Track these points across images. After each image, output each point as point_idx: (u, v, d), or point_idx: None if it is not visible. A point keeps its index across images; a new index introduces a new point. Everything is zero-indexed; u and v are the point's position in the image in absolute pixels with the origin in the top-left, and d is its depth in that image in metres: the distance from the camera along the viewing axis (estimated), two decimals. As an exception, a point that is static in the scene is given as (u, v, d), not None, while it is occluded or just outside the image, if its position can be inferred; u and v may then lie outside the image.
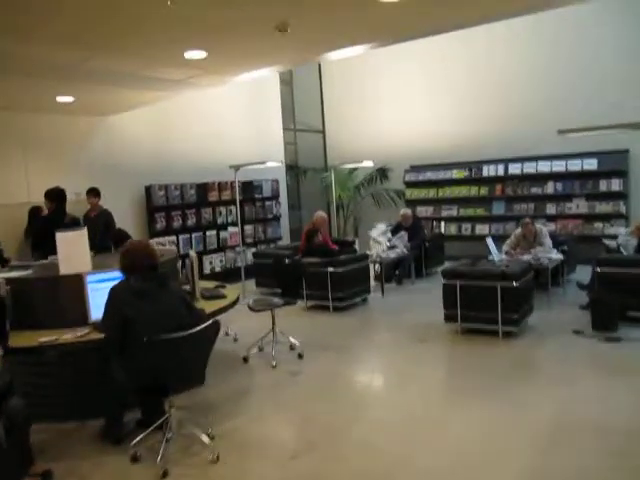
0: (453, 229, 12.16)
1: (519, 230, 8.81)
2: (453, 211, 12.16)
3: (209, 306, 5.23)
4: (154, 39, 5.41)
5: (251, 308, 6.24)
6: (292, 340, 6.51)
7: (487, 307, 6.45)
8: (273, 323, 6.41)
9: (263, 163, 8.87)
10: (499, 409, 4.71)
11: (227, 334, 7.18)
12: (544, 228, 8.78)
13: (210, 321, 3.97)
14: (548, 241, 8.57)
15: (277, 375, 5.82)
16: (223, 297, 5.62)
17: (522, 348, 6.22)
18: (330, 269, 8.12)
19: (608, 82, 10.63)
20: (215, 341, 4.12)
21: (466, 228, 12.01)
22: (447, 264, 10.43)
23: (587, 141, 10.66)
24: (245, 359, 6.27)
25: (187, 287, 5.56)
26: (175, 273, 5.67)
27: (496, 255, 8.22)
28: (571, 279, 9.09)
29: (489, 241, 8.25)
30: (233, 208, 11.31)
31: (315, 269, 8.26)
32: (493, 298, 6.37)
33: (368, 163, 11.13)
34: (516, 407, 4.73)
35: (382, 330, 7.48)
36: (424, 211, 12.48)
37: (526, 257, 8.22)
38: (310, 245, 8.57)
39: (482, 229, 11.76)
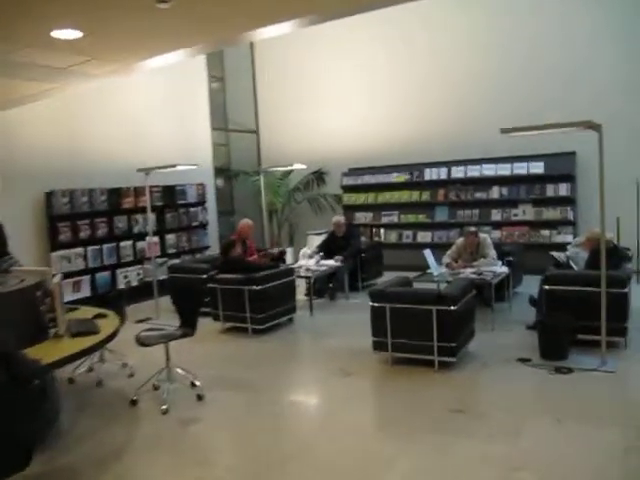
0: (393, 237, 11.26)
1: (461, 240, 7.95)
2: (393, 217, 11.26)
3: (73, 346, 4.14)
4: (10, 12, 4.28)
5: (140, 342, 5.14)
6: (192, 377, 5.42)
7: (421, 334, 5.51)
8: (167, 359, 5.31)
9: (174, 166, 7.74)
10: (428, 469, 3.75)
11: (124, 366, 6.09)
12: (488, 238, 7.93)
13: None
14: (492, 252, 7.72)
15: (165, 424, 4.74)
16: (95, 333, 4.50)
17: (460, 384, 5.31)
18: (248, 287, 7.07)
19: (556, 81, 9.91)
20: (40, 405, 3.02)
21: (407, 236, 11.12)
22: (386, 276, 9.56)
23: (533, 144, 9.90)
24: (133, 402, 5.16)
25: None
26: (33, 303, 4.48)
27: (435, 268, 7.33)
28: (518, 292, 8.28)
29: (427, 253, 7.36)
30: (152, 215, 10.16)
31: (232, 286, 7.20)
32: (428, 324, 5.43)
33: (300, 166, 10.15)
34: (449, 468, 3.77)
35: (303, 359, 6.49)
36: (363, 217, 11.55)
37: (468, 271, 7.35)
38: (227, 259, 7.49)
39: (424, 237, 10.90)
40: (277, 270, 7.49)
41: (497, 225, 10.32)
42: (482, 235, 7.96)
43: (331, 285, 8.92)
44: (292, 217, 12.57)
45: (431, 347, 5.48)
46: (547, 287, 6.06)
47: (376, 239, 11.26)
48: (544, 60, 10.03)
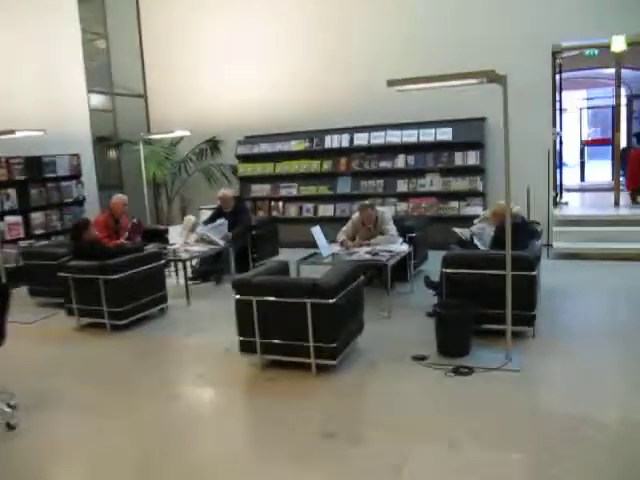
0: (293, 211, 10.19)
1: (357, 215, 6.96)
2: (293, 189, 10.18)
3: None
4: None
5: None
6: (7, 397, 4.21)
7: (295, 333, 4.49)
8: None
9: (12, 132, 6.32)
10: None
11: None
12: (387, 212, 7.00)
13: None
14: (391, 228, 6.79)
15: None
16: None
17: (341, 393, 4.34)
18: (104, 276, 5.85)
19: (464, 44, 9.02)
20: None
21: (308, 209, 10.09)
22: (283, 253, 8.52)
23: (442, 109, 9.07)
24: None
25: None
26: None
27: (325, 249, 6.34)
28: (423, 271, 7.41)
29: (315, 231, 6.35)
30: (12, 191, 8.68)
31: (85, 276, 5.97)
32: (302, 321, 4.41)
33: (182, 133, 8.91)
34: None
35: (162, 363, 5.34)
36: (260, 190, 10.41)
37: (363, 250, 6.39)
38: (78, 243, 6.20)
39: (326, 210, 9.90)
40: (140, 255, 6.28)
41: (404, 197, 9.43)
42: (380, 209, 7.03)
43: (217, 267, 7.80)
44: (184, 191, 11.27)
45: (307, 348, 4.47)
46: (446, 270, 5.15)
47: (274, 213, 10.17)
48: (446, 21, 9.13)
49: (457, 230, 6.03)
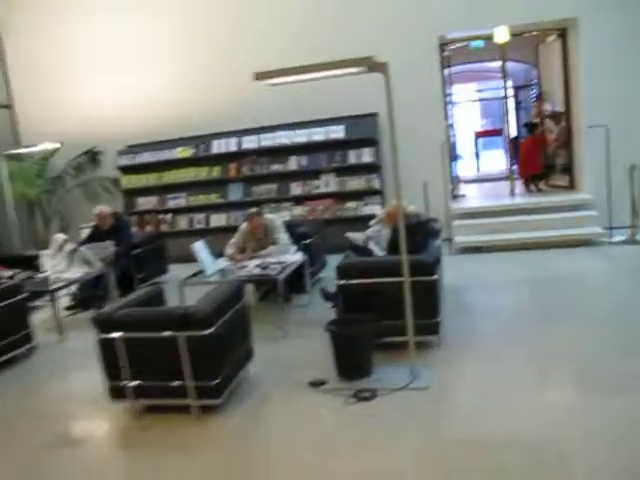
0: (184, 223, 9.42)
1: (245, 225, 6.35)
2: (181, 200, 9.41)
3: None
4: None
5: None
6: None
7: (170, 371, 3.81)
8: None
9: None
10: None
11: None
12: (277, 219, 6.43)
13: None
14: (283, 236, 6.24)
15: None
16: None
17: (223, 440, 3.71)
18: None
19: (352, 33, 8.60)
20: None
21: (199, 220, 9.34)
22: (174, 270, 7.78)
23: (332, 106, 8.61)
24: None
25: None
26: None
27: (210, 266, 5.69)
28: (323, 278, 6.92)
29: (197, 248, 5.68)
30: None
31: None
32: (176, 357, 3.74)
33: (50, 145, 7.95)
34: None
35: (17, 424, 4.47)
36: (146, 203, 9.56)
37: (253, 264, 5.79)
38: None
39: (218, 220, 9.20)
40: (-9, 289, 5.38)
41: (299, 200, 8.90)
42: (269, 216, 6.46)
43: (98, 293, 6.95)
44: (63, 209, 10.22)
45: (185, 388, 3.81)
46: (340, 282, 4.63)
47: (163, 227, 9.37)
48: (329, 16, 8.70)
49: (350, 235, 5.53)
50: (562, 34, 8.97)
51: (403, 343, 4.29)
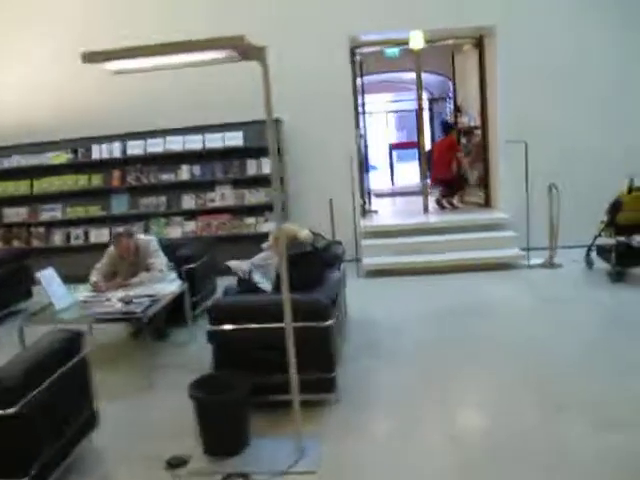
0: (59, 238, 8.14)
1: (112, 247, 5.27)
2: (57, 212, 8.13)
3: None
4: None
5: None
6: None
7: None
8: None
9: None
10: None
11: None
12: (153, 241, 5.38)
13: None
14: (158, 261, 5.23)
15: None
16: None
17: None
18: None
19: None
20: None
21: (77, 235, 8.10)
22: (38, 297, 6.52)
23: (230, 111, 7.64)
24: None
25: None
26: None
27: (61, 299, 4.58)
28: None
29: (45, 276, 4.56)
30: None
31: None
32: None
33: None
34: None
35: None
36: (14, 214, 8.21)
37: (117, 297, 4.72)
38: None
39: (100, 235, 7.98)
40: None
41: (191, 214, 7.85)
42: (142, 237, 5.43)
43: None
44: None
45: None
46: (213, 328, 3.66)
47: (35, 243, 8.06)
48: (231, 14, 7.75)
49: (232, 264, 4.56)
50: (479, 43, 8.41)
51: (291, 403, 3.37)
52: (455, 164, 9.26)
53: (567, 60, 7.57)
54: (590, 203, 7.45)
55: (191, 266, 5.57)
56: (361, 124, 9.29)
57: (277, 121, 7.65)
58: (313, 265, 3.89)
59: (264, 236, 7.50)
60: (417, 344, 4.93)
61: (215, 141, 7.64)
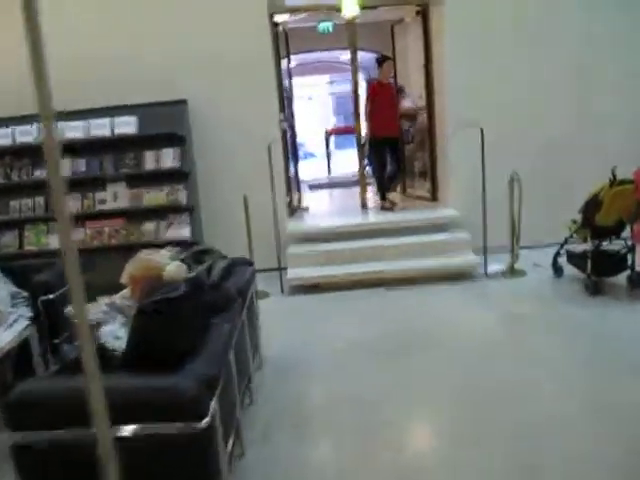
0: None
1: None
2: None
3: None
4: None
5: None
6: None
7: None
8: None
9: None
10: None
11: None
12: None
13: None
14: (-8, 298, 3.67)
15: None
16: None
17: None
18: None
19: None
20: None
21: None
22: None
23: (121, 87, 6.14)
24: None
25: None
26: None
27: None
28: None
29: None
30: None
31: None
32: None
33: None
34: None
35: None
36: None
37: None
38: None
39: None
40: None
41: (77, 220, 6.26)
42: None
43: None
44: None
45: None
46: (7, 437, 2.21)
47: None
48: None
49: (74, 310, 3.11)
50: (422, 12, 7.09)
51: None
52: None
53: (530, 29, 6.36)
54: (556, 197, 6.38)
55: (49, 297, 4.06)
56: (290, 107, 7.89)
57: (181, 103, 6.17)
58: (185, 318, 2.48)
59: (169, 244, 6.06)
60: (349, 401, 3.59)
61: (102, 128, 6.06)
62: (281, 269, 5.95)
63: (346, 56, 13.74)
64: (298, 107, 16.01)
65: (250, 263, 3.96)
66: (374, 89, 7.21)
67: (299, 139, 19.28)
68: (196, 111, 6.28)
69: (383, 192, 7.21)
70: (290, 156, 7.86)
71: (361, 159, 7.61)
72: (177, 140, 6.10)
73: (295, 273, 5.85)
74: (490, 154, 5.85)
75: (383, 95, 7.06)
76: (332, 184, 11.29)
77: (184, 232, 6.13)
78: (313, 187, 10.69)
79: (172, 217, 6.19)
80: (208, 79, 6.29)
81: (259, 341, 4.07)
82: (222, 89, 6.33)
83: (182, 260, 3.58)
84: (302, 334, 4.70)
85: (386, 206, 7.05)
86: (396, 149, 7.31)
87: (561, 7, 6.34)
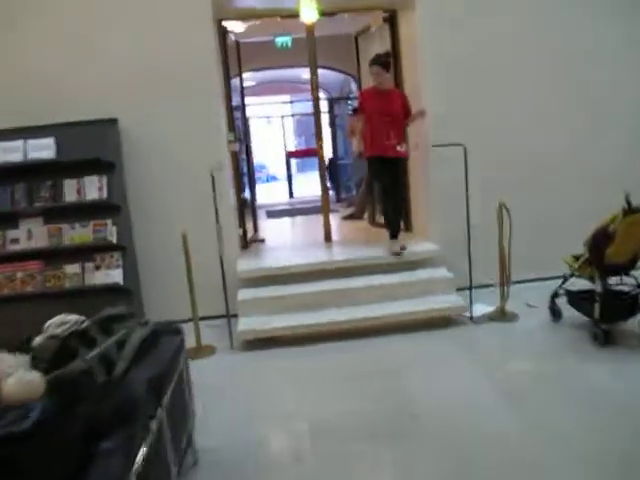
0: None
1: None
2: None
3: None
4: None
5: None
6: None
7: None
8: None
9: None
10: None
11: None
12: None
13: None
14: None
15: None
16: None
17: None
18: None
19: None
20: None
21: None
22: None
23: (34, 104, 5.12)
24: None
25: None
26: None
27: None
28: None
29: None
30: None
31: None
32: None
33: None
34: None
35: None
36: None
37: None
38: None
39: None
40: None
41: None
42: None
43: None
44: None
45: None
46: None
47: None
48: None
49: None
50: (390, 18, 6.25)
51: None
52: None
53: (519, 35, 5.58)
54: (549, 224, 5.54)
55: None
56: (245, 126, 6.98)
57: (109, 122, 5.15)
58: (38, 460, 1.47)
59: (97, 290, 5.07)
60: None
61: (13, 152, 4.99)
62: (230, 317, 4.93)
63: (307, 75, 12.95)
64: (258, 128, 15.07)
65: (177, 331, 2.94)
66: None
67: (261, 161, 18.44)
68: (128, 132, 5.26)
69: (392, 230, 5.50)
70: (246, 181, 6.93)
71: (323, 183, 6.66)
72: (104, 167, 5.07)
73: (247, 323, 4.83)
74: (474, 178, 4.98)
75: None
76: (293, 211, 10.34)
77: (115, 276, 5.08)
78: (272, 214, 9.72)
79: (100, 257, 5.13)
80: (143, 95, 5.31)
81: (193, 430, 3.05)
82: (160, 107, 5.34)
83: (84, 332, 2.58)
84: (252, 411, 3.67)
85: (395, 250, 5.38)
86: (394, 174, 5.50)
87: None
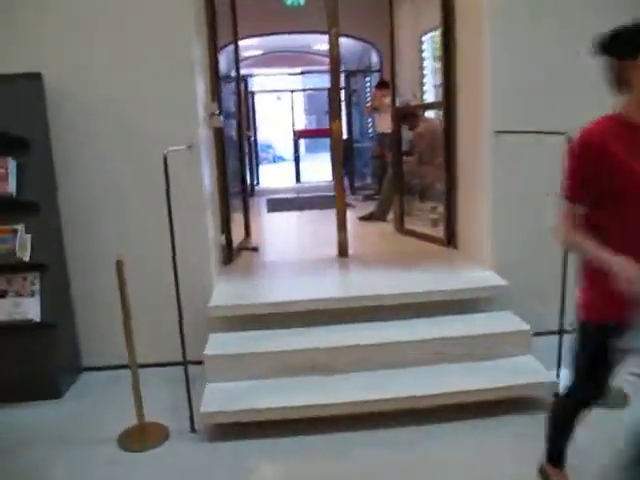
0: None
1: None
2: None
3: None
4: None
5: None
6: None
7: None
8: None
9: None
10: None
11: None
12: None
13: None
14: None
15: None
16: None
17: None
18: None
19: None
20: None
21: None
22: None
23: None
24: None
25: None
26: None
27: None
28: None
29: None
30: None
31: None
32: None
33: None
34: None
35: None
36: None
37: None
38: None
39: None
40: None
41: None
42: None
43: None
44: None
45: None
46: None
47: None
48: None
49: None
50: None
51: None
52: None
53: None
54: None
55: None
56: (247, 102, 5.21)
57: (29, 78, 3.39)
58: None
59: (18, 328, 3.37)
60: None
61: None
62: (189, 385, 3.16)
63: (320, 45, 11.02)
64: (266, 105, 13.45)
65: None
66: None
67: (267, 141, 16.60)
68: (59, 94, 3.50)
69: None
70: (245, 162, 5.19)
71: (339, 182, 4.86)
72: (15, 146, 3.31)
73: (216, 398, 3.07)
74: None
75: None
76: (300, 200, 8.55)
77: (28, 308, 3.35)
78: (274, 206, 7.96)
79: (6, 281, 3.40)
80: (83, 42, 3.54)
81: None
82: (108, 62, 3.58)
83: None
84: None
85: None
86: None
87: None
